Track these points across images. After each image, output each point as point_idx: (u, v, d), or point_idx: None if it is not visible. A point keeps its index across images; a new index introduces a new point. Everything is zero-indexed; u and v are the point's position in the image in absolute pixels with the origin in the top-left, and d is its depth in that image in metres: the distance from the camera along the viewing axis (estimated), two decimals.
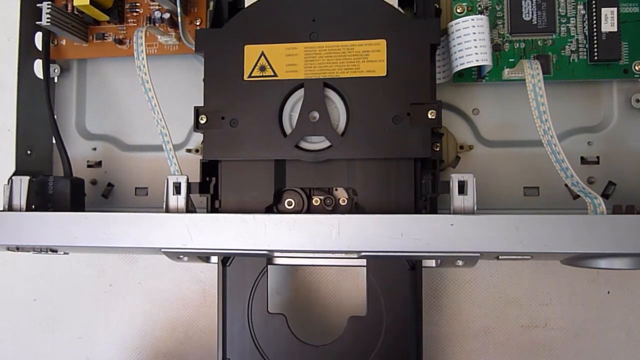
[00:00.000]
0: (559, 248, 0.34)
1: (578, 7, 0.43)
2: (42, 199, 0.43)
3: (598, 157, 0.44)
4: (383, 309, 0.39)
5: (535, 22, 0.43)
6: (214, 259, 0.42)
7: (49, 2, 0.44)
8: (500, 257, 0.37)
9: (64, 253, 0.42)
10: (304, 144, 0.39)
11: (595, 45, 0.41)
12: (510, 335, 0.47)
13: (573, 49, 0.43)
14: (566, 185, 0.38)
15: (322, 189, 0.40)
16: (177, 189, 0.39)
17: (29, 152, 0.46)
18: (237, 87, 0.39)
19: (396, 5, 0.40)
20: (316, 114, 0.39)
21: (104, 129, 0.50)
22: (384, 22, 0.38)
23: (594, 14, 0.42)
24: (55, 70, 0.50)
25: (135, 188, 0.49)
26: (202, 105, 0.40)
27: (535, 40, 0.43)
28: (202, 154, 0.40)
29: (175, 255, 0.38)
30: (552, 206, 0.44)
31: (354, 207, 0.40)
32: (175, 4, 0.44)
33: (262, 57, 0.39)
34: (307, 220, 0.35)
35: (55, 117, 0.47)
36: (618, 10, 0.41)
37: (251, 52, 0.39)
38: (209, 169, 0.40)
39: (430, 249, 0.34)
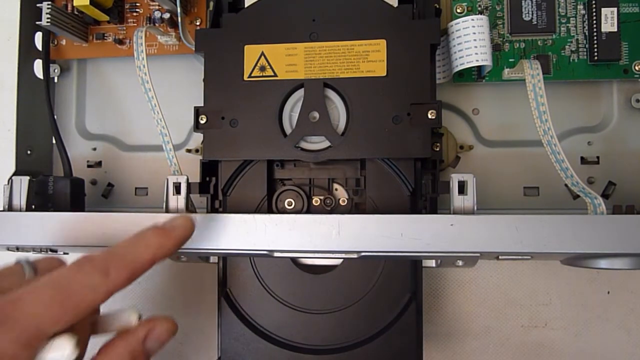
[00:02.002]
0: (559, 248, 0.34)
1: (578, 7, 0.43)
2: (42, 199, 0.43)
3: (598, 157, 0.44)
4: None
5: (535, 22, 0.43)
6: (214, 259, 0.42)
7: (49, 2, 0.44)
8: (500, 257, 0.37)
9: (64, 253, 0.42)
10: (303, 144, 0.39)
11: (595, 45, 0.41)
12: (510, 335, 0.47)
13: (573, 49, 0.43)
14: (566, 185, 0.38)
15: (322, 189, 0.40)
16: (177, 189, 0.39)
17: (29, 152, 0.46)
18: (237, 87, 0.39)
19: (396, 5, 0.40)
20: (316, 114, 0.39)
21: (104, 129, 0.50)
22: (384, 22, 0.38)
23: (594, 14, 0.42)
24: (55, 70, 0.50)
25: (135, 188, 0.49)
26: (202, 105, 0.40)
27: (535, 40, 0.43)
28: (202, 154, 0.40)
29: (175, 255, 0.38)
30: (552, 206, 0.44)
31: (354, 207, 0.40)
32: (175, 4, 0.44)
33: (262, 57, 0.39)
34: (307, 220, 0.35)
35: (55, 117, 0.47)
36: (618, 10, 0.41)
37: (251, 52, 0.39)
38: (209, 169, 0.40)
39: (430, 249, 0.34)
